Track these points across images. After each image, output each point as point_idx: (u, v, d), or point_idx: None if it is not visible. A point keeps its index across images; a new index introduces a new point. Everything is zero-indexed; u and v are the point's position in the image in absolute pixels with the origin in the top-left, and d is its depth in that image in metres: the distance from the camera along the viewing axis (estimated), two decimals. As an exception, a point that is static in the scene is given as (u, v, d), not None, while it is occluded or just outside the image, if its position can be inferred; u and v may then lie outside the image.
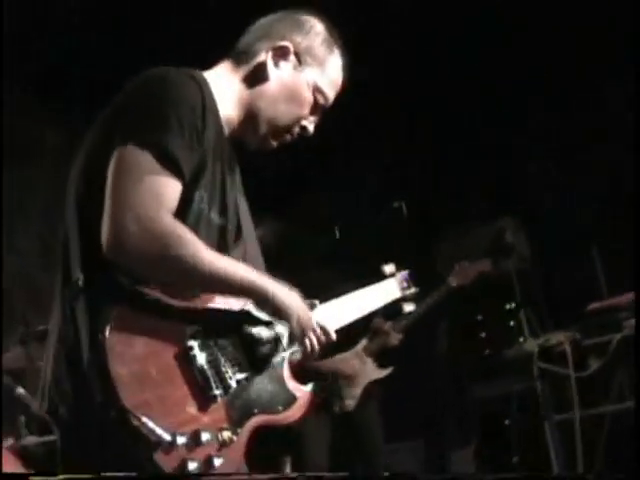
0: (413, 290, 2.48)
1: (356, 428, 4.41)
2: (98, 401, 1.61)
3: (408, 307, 2.52)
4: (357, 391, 4.36)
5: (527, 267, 5.22)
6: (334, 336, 2.00)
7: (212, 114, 1.82)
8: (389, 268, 2.44)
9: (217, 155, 1.85)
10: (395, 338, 4.39)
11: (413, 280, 2.48)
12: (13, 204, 4.71)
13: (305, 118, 2.01)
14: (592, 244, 5.11)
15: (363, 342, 4.36)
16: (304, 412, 1.95)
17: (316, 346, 1.95)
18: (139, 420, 1.59)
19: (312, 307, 1.99)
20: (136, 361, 1.64)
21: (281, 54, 1.97)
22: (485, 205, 5.52)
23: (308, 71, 1.98)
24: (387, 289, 2.40)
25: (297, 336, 1.90)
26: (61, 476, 1.67)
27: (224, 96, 1.91)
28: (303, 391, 1.97)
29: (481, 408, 5.32)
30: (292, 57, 1.97)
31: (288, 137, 2.03)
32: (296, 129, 2.02)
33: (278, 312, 1.84)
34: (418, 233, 5.80)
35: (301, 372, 2.10)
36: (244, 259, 1.92)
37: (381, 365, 4.44)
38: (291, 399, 1.93)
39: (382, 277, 2.43)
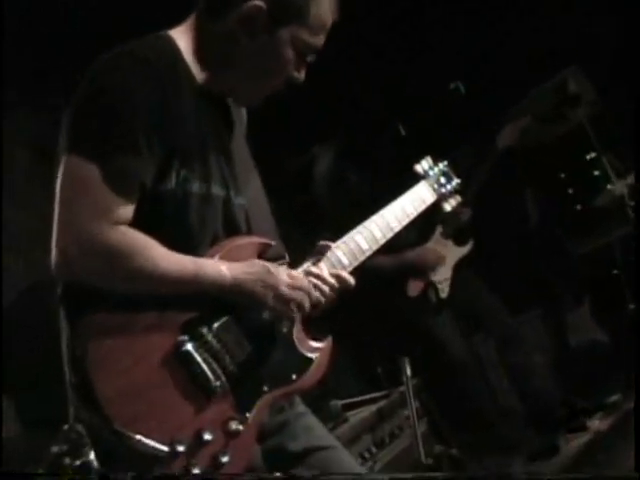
0: (454, 183, 2.32)
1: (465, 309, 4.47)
2: (90, 422, 1.57)
3: (448, 205, 2.33)
4: (447, 275, 4.38)
5: (598, 111, 5.04)
6: (351, 280, 1.89)
7: (182, 87, 1.71)
8: (422, 166, 2.28)
9: (198, 126, 1.75)
10: (465, 214, 4.36)
11: (454, 168, 2.33)
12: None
13: (291, 75, 1.87)
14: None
15: (439, 228, 4.38)
16: (324, 371, 1.82)
17: (327, 296, 1.83)
18: (132, 439, 1.53)
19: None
20: (121, 375, 1.56)
21: (251, 15, 1.78)
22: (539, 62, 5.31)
23: (285, 28, 1.79)
24: (417, 196, 2.21)
25: (281, 311, 1.77)
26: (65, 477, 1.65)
27: (198, 53, 1.79)
28: (318, 348, 1.84)
29: (586, 264, 5.25)
30: (264, 15, 1.78)
31: (274, 91, 1.89)
32: (283, 84, 1.88)
33: (251, 300, 1.73)
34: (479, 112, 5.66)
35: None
36: (248, 222, 1.84)
37: (461, 243, 4.45)
38: (305, 363, 1.81)
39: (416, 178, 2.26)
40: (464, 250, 4.48)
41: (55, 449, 3.26)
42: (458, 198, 2.39)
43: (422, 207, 2.22)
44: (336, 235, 2.03)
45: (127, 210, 1.64)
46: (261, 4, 1.78)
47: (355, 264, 1.97)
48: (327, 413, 3.50)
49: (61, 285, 1.68)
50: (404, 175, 2.34)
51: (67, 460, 3.26)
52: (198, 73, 1.81)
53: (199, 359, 1.65)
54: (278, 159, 5.19)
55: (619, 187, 4.00)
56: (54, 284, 1.71)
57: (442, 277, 4.34)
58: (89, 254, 1.59)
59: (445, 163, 2.37)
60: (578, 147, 5.05)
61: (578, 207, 5.27)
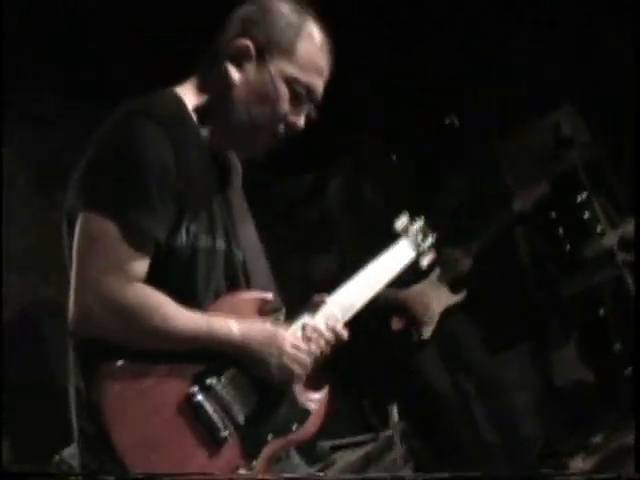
0: (430, 241, 2.39)
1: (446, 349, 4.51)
2: (106, 468, 1.59)
3: (425, 261, 2.40)
4: (434, 319, 4.41)
5: (592, 155, 5.11)
6: (345, 334, 1.94)
7: (189, 143, 1.75)
8: (401, 223, 2.34)
9: (202, 180, 1.79)
10: (466, 264, 4.43)
11: (430, 226, 2.39)
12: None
13: (287, 114, 1.86)
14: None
15: (437, 271, 4.42)
16: (321, 422, 1.88)
17: (323, 350, 1.88)
18: None
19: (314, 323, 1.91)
20: (138, 425, 1.61)
21: (240, 55, 1.84)
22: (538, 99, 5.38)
23: (274, 63, 1.83)
24: (399, 253, 2.28)
25: (284, 373, 1.81)
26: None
27: (201, 108, 1.83)
28: (317, 399, 1.91)
29: (574, 303, 5.30)
30: (253, 54, 1.83)
31: (275, 138, 1.89)
32: (281, 128, 1.88)
33: (256, 362, 1.78)
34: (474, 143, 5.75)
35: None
36: (245, 274, 1.88)
37: (455, 290, 4.49)
38: (304, 414, 1.87)
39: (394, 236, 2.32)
40: (456, 298, 4.50)
41: (43, 482, 3.27)
42: (434, 254, 2.46)
43: (404, 264, 2.29)
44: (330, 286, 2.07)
45: (143, 266, 1.68)
46: (248, 41, 1.84)
47: (346, 318, 2.02)
48: (315, 454, 3.53)
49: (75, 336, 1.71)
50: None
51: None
52: (202, 128, 1.84)
53: (209, 410, 1.69)
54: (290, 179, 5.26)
55: (610, 238, 4.02)
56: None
57: (427, 319, 4.39)
58: (108, 313, 1.63)
59: (422, 219, 2.44)
60: (570, 188, 5.11)
61: (567, 247, 5.33)
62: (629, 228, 3.96)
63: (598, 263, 4.40)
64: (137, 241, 1.66)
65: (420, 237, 2.38)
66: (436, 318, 4.40)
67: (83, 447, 1.72)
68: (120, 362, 1.65)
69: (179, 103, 1.82)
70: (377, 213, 4.23)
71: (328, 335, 1.91)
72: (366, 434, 4.14)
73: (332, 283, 2.05)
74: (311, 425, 1.88)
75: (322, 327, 1.91)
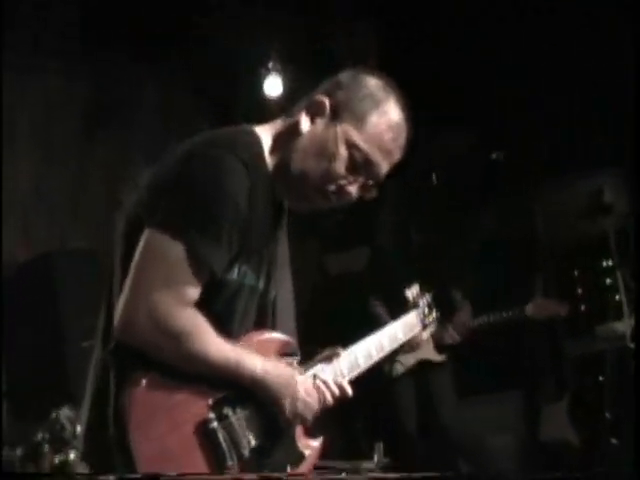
0: (433, 316, 2.53)
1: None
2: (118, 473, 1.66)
3: (425, 334, 2.54)
4: (409, 362, 4.65)
5: (627, 226, 5.13)
6: (349, 391, 2.01)
7: (261, 187, 1.81)
8: (412, 293, 2.47)
9: (263, 223, 1.85)
10: (453, 338, 4.67)
11: (435, 302, 2.53)
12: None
13: (341, 177, 1.88)
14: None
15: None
16: (312, 468, 1.99)
17: (328, 400, 1.95)
18: None
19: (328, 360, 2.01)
20: (158, 438, 1.68)
21: (316, 109, 1.89)
22: (584, 157, 5.41)
23: (343, 126, 1.87)
24: (407, 324, 2.40)
25: (293, 415, 1.89)
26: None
27: (274, 153, 1.89)
28: (312, 447, 2.00)
29: (574, 364, 5.36)
30: (327, 112, 1.88)
31: (325, 199, 1.91)
32: (332, 188, 1.89)
33: (271, 400, 1.86)
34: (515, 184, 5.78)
35: None
36: (274, 313, 1.97)
37: (440, 352, 4.72)
38: (300, 457, 1.96)
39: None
40: (437, 358, 4.74)
41: (39, 436, 3.35)
42: (434, 327, 2.63)
43: (410, 335, 2.40)
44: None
45: (196, 293, 1.75)
46: (325, 99, 1.89)
47: (351, 376, 2.10)
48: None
49: (114, 341, 1.76)
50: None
51: (47, 448, 3.36)
52: (272, 173, 1.90)
53: (221, 438, 1.77)
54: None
55: (623, 324, 4.01)
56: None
57: (404, 360, 4.53)
58: (156, 330, 1.70)
59: (430, 294, 2.56)
60: (598, 253, 5.15)
61: (582, 308, 5.38)
62: None
63: (607, 336, 4.42)
64: (197, 269, 1.72)
65: (427, 311, 2.51)
66: (411, 364, 4.63)
67: (91, 440, 1.79)
68: (151, 375, 1.72)
69: (259, 144, 1.89)
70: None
71: (334, 389, 1.99)
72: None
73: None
74: (303, 468, 1.98)
75: (330, 381, 2.00)
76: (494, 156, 5.83)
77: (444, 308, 4.55)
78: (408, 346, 4.35)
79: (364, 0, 5.71)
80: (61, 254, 4.44)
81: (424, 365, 4.70)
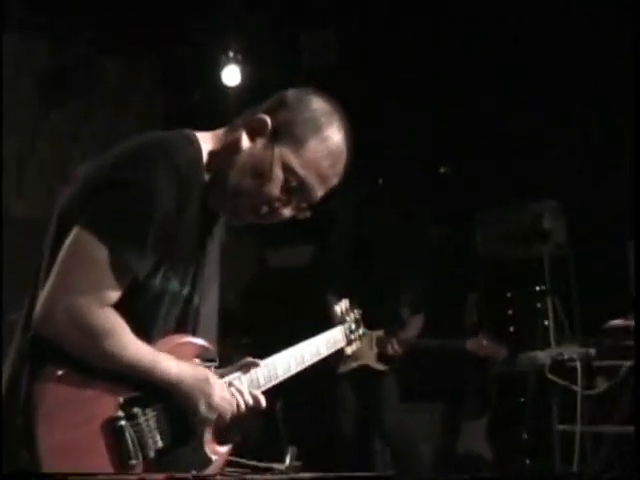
0: (360, 333, 2.50)
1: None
2: (21, 464, 1.65)
3: (349, 350, 2.50)
4: (351, 366, 4.74)
5: (563, 253, 5.24)
6: (263, 403, 2.00)
7: (194, 195, 1.81)
8: (341, 307, 2.47)
9: (192, 231, 1.86)
10: (395, 350, 4.71)
11: (365, 319, 2.52)
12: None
13: (274, 199, 1.87)
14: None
15: (380, 332, 4.70)
16: (217, 471, 1.98)
17: (241, 409, 1.94)
18: None
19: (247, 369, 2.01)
20: (65, 431, 1.67)
21: (257, 128, 1.88)
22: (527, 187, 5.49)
23: (281, 148, 1.86)
24: (331, 339, 2.39)
25: (206, 418, 1.89)
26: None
27: (211, 164, 1.89)
28: (220, 453, 1.98)
29: (496, 383, 5.45)
30: (267, 131, 1.87)
31: (257, 218, 1.92)
32: (264, 209, 1.89)
33: (185, 401, 1.85)
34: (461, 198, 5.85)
35: None
36: (195, 319, 1.97)
37: (381, 359, 4.77)
38: (206, 462, 1.94)
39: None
40: (379, 367, 4.80)
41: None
42: (359, 343, 2.55)
43: (332, 349, 2.38)
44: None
45: (116, 295, 1.76)
46: (267, 118, 1.88)
47: (267, 387, 2.09)
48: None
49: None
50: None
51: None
52: (207, 184, 1.90)
53: (127, 437, 1.77)
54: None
55: (543, 355, 4.07)
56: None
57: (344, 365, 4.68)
58: (74, 327, 1.70)
59: (360, 312, 2.55)
60: (532, 277, 5.24)
61: (511, 329, 5.47)
62: (563, 354, 4.01)
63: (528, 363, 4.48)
64: (121, 273, 1.74)
65: (354, 326, 2.49)
66: (353, 366, 4.71)
67: (6, 435, 1.75)
68: (65, 368, 1.72)
69: (198, 151, 1.87)
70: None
71: (248, 399, 1.98)
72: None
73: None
74: (209, 473, 1.96)
75: (245, 390, 1.99)
76: (442, 170, 5.91)
77: (391, 322, 4.66)
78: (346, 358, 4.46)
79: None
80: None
81: (364, 371, 4.76)
